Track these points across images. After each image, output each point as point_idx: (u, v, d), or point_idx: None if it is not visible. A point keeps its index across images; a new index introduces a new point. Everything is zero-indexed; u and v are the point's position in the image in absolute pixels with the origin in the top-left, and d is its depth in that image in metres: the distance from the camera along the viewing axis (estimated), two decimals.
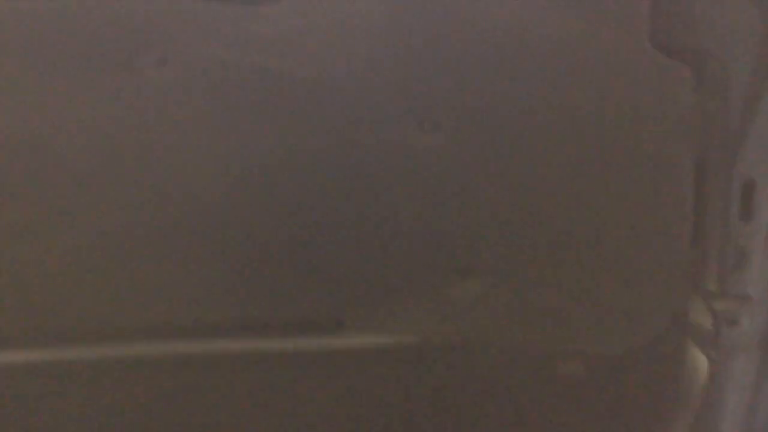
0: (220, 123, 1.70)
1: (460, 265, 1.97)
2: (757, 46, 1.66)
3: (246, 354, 2.11)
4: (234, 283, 1.98)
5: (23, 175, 1.75)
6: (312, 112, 1.70)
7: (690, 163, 1.74)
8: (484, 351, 2.10)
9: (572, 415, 2.15)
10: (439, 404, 2.20)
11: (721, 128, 1.71)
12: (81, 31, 1.58)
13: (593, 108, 1.68)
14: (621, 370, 2.05)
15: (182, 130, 1.70)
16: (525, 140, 1.76)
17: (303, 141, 1.74)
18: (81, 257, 1.88)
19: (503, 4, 1.53)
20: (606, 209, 1.85)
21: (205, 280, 1.96)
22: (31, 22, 1.57)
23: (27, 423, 2.22)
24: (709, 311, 1.91)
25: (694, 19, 1.63)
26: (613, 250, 1.91)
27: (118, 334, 2.05)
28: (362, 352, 2.12)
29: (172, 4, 1.55)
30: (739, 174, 1.75)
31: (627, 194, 1.82)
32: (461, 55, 1.61)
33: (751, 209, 1.82)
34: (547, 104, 1.69)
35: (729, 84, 1.68)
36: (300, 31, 1.58)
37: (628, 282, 1.95)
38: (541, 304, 2.02)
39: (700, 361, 1.96)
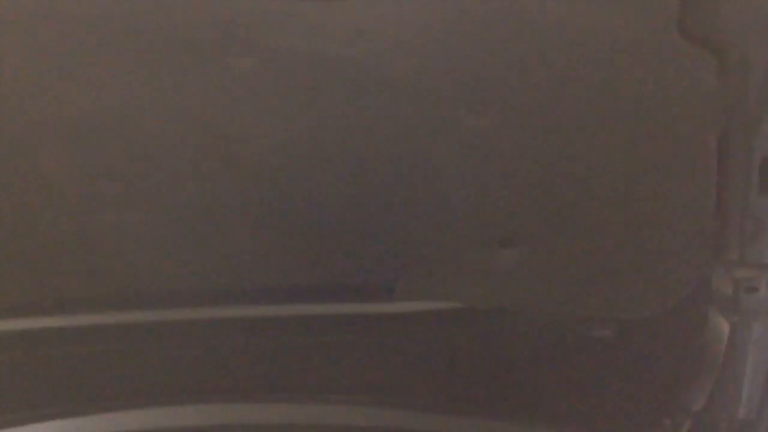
0: (294, 105, 1.83)
1: (501, 235, 2.07)
2: None
3: (300, 317, 2.25)
4: (291, 251, 2.11)
5: (121, 151, 1.89)
6: (374, 94, 1.81)
7: (713, 141, 1.82)
8: (523, 316, 2.21)
9: (602, 375, 2.25)
10: (481, 366, 2.33)
11: (741, 110, 1.79)
12: (176, 28, 1.72)
13: (625, 91, 1.79)
14: (648, 334, 2.15)
15: (261, 112, 1.83)
16: (562, 121, 1.86)
17: (367, 120, 1.86)
18: (162, 226, 2.03)
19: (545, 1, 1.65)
20: (635, 185, 1.95)
21: (264, 249, 2.10)
22: (134, 20, 1.71)
23: (106, 379, 2.34)
24: (730, 279, 1.97)
25: (718, 11, 1.71)
26: (641, 222, 2.01)
27: (186, 298, 2.20)
28: (409, 316, 2.24)
29: (254, 1, 1.69)
30: (759, 151, 1.82)
31: (655, 171, 1.92)
32: (505, 46, 1.72)
33: None
34: (583, 88, 1.79)
35: (749, 69, 1.76)
36: (367, 24, 1.70)
37: (656, 251, 2.04)
38: (575, 271, 2.13)
39: (721, 326, 2.02)
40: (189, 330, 2.26)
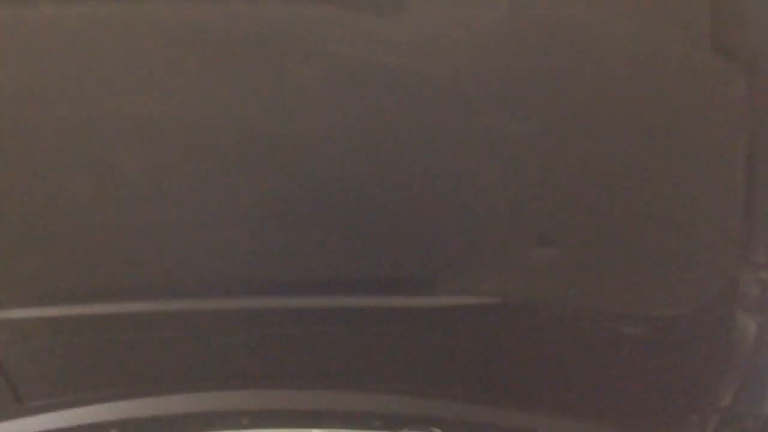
0: (348, 109, 1.93)
1: (539, 233, 2.14)
2: None
3: (343, 309, 2.32)
4: (338, 245, 2.19)
5: (187, 149, 2.00)
6: (424, 100, 1.90)
7: (742, 148, 1.88)
8: (559, 311, 2.26)
9: (632, 371, 2.32)
10: (518, 358, 2.40)
11: None
12: (243, 35, 1.82)
13: (658, 100, 1.86)
14: (677, 332, 2.21)
15: (317, 115, 1.93)
16: (600, 128, 1.94)
17: (416, 124, 1.95)
18: (221, 220, 2.13)
19: (587, 14, 1.75)
20: (669, 188, 2.02)
21: (316, 243, 2.19)
22: (204, 28, 1.82)
23: (151, 365, 2.48)
24: (756, 280, 2.05)
25: (748, 25, 1.76)
26: (672, 224, 2.07)
27: (239, 288, 2.29)
28: (450, 309, 2.30)
29: (314, 12, 1.78)
30: None
31: (687, 175, 1.98)
32: (547, 59, 1.81)
33: None
34: (620, 97, 1.87)
35: None
36: (419, 36, 1.79)
37: (687, 252, 2.10)
38: (610, 269, 2.19)
39: (748, 325, 2.10)
40: (242, 319, 2.35)
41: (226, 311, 2.33)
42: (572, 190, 2.07)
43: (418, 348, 2.39)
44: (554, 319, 2.29)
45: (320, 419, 2.45)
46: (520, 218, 2.13)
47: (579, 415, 2.36)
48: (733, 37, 1.77)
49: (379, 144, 2.01)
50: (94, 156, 2.01)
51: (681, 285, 2.17)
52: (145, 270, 2.23)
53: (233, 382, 2.49)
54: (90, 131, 1.96)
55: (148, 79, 1.89)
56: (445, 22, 1.79)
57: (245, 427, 2.48)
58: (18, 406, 2.47)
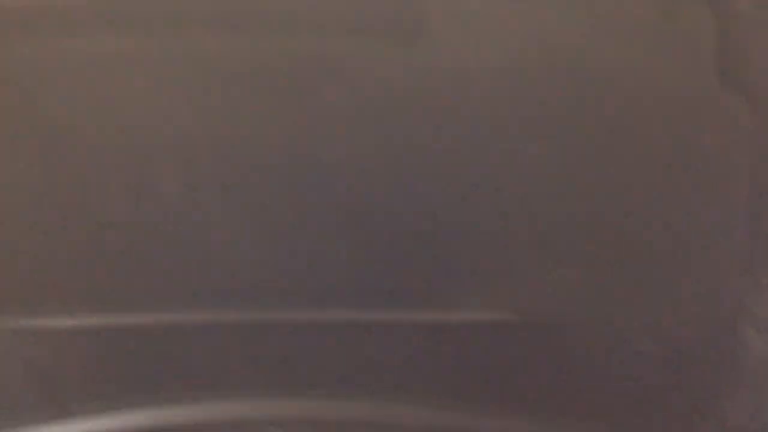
0: (381, 133, 2.04)
1: (557, 253, 2.22)
2: None
3: (359, 323, 2.40)
4: (361, 260, 2.29)
5: (227, 170, 2.12)
6: (448, 125, 2.01)
7: (747, 174, 1.97)
8: (576, 329, 2.33)
9: (645, 387, 2.36)
10: (535, 374, 2.44)
11: None
12: (273, 63, 1.94)
13: (669, 129, 1.95)
14: (689, 350, 2.27)
15: (351, 138, 2.05)
16: (613, 153, 2.04)
17: (439, 145, 2.05)
18: (259, 237, 2.24)
19: (598, 46, 1.84)
20: (678, 213, 2.10)
21: (336, 258, 2.29)
22: (236, 58, 1.94)
23: (179, 377, 2.54)
24: (766, 300, 2.11)
25: (753, 54, 1.85)
26: (686, 246, 2.16)
27: (261, 301, 2.37)
28: (467, 326, 2.38)
29: (340, 41, 1.91)
30: None
31: (697, 200, 2.07)
32: (561, 84, 1.91)
33: None
34: (631, 125, 1.97)
35: None
36: (440, 63, 1.90)
37: (698, 273, 2.18)
38: (626, 290, 2.25)
39: (758, 344, 2.16)
40: (270, 330, 2.44)
41: (256, 322, 2.42)
42: (589, 213, 2.16)
43: (437, 362, 2.45)
44: (571, 337, 2.36)
45: (344, 428, 2.53)
46: (538, 238, 2.21)
47: (587, 429, 2.39)
48: (738, 65, 1.83)
49: (403, 165, 2.11)
50: (133, 177, 2.13)
51: (693, 304, 2.24)
52: (179, 282, 2.34)
53: (263, 390, 2.56)
54: (131, 155, 2.09)
55: (186, 104, 2.02)
56: (463, 50, 1.88)
57: None
58: (58, 411, 2.56)
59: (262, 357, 2.50)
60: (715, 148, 1.96)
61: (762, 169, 1.95)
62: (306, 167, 2.11)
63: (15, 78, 1.96)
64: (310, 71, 1.93)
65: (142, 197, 2.16)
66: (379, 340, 2.45)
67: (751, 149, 1.91)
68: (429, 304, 2.37)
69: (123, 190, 2.15)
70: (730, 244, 2.11)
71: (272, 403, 2.56)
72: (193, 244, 2.25)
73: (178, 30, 1.88)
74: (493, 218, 2.19)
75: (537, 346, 2.41)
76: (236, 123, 2.04)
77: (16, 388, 2.57)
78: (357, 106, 1.99)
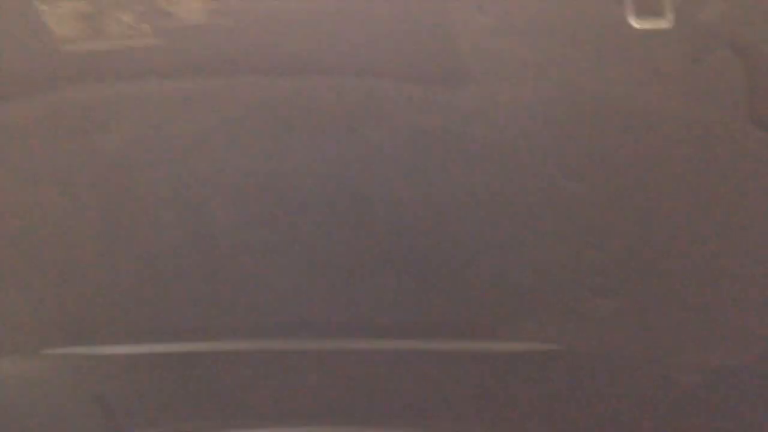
0: (419, 171, 2.10)
1: (594, 285, 2.25)
2: None
3: (401, 353, 2.47)
4: (408, 292, 2.34)
5: (275, 205, 2.21)
6: (486, 163, 2.06)
7: None
8: (617, 360, 2.37)
9: (686, 418, 2.42)
10: (577, 404, 2.51)
11: None
12: (321, 104, 2.02)
13: (697, 167, 1.99)
14: (733, 382, 2.31)
15: (391, 176, 2.12)
16: (648, 190, 2.08)
17: (479, 185, 2.11)
18: (303, 269, 2.32)
19: (630, 90, 1.88)
20: (717, 244, 2.13)
21: (383, 290, 2.35)
22: (287, 98, 2.02)
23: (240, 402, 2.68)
24: None
25: None
26: (726, 278, 2.18)
27: (310, 331, 2.45)
28: (510, 356, 2.42)
29: (386, 84, 1.97)
30: None
31: (734, 233, 2.10)
32: (596, 125, 1.96)
33: None
34: (666, 164, 2.00)
35: None
36: (481, 106, 1.95)
37: (738, 305, 2.21)
38: (664, 320, 2.29)
39: None
40: (320, 359, 2.53)
41: (306, 351, 2.51)
42: (628, 247, 2.19)
43: (479, 391, 2.52)
44: (613, 367, 2.40)
45: None
46: (580, 270, 2.25)
47: None
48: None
49: (444, 201, 2.17)
50: (186, 212, 2.22)
51: (734, 336, 2.26)
52: (233, 312, 2.43)
53: (310, 418, 2.65)
54: (184, 191, 2.18)
55: (237, 143, 2.10)
56: (499, 92, 1.95)
57: None
58: None
59: (302, 385, 2.57)
60: (750, 185, 1.99)
61: None
62: (350, 203, 2.19)
63: (77, 117, 2.06)
64: (355, 112, 2.01)
65: (193, 231, 2.25)
66: (422, 371, 2.50)
67: None
68: (472, 335, 2.41)
69: (176, 224, 2.25)
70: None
71: (311, 429, 2.66)
72: (241, 276, 2.33)
73: (232, 74, 1.97)
74: (535, 252, 2.24)
75: (579, 376, 2.45)
76: (284, 161, 2.12)
77: (69, 412, 2.69)
78: (398, 144, 2.05)
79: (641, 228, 2.14)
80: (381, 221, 2.22)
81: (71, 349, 2.50)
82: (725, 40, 1.78)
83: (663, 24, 1.69)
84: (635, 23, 1.69)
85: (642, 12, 1.68)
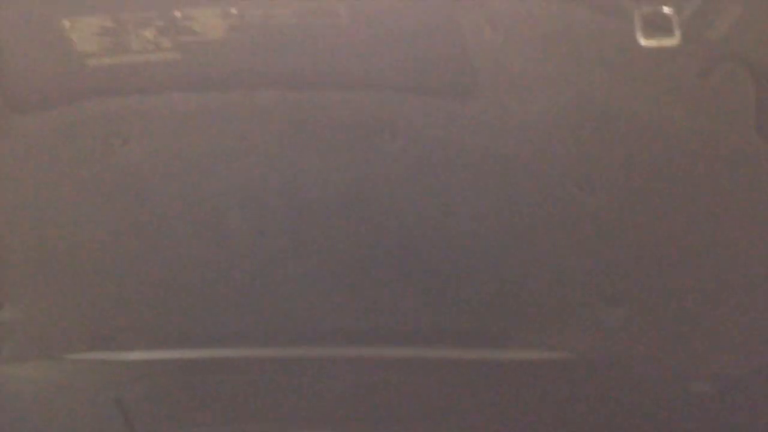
0: (431, 182, 2.14)
1: (608, 294, 2.28)
2: None
3: (414, 360, 2.50)
4: (420, 299, 2.38)
5: (291, 214, 2.25)
6: (500, 176, 2.11)
7: None
8: (628, 368, 2.39)
9: (698, 427, 2.44)
10: (588, 412, 2.53)
11: None
12: (337, 116, 2.06)
13: (707, 179, 2.02)
14: (744, 391, 2.33)
15: (404, 185, 2.16)
16: (660, 202, 2.10)
17: (494, 197, 2.15)
18: (318, 276, 2.35)
19: (637, 103, 1.92)
20: (725, 254, 2.16)
21: (395, 297, 2.38)
22: (304, 111, 2.06)
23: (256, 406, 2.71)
24: None
25: None
26: (737, 286, 2.21)
27: (323, 338, 2.50)
28: (523, 364, 2.45)
29: (399, 97, 2.01)
30: None
31: (742, 242, 2.13)
32: (605, 137, 1.99)
33: None
34: (675, 175, 2.03)
35: None
36: (495, 117, 1.99)
37: (749, 312, 2.23)
38: (676, 328, 2.31)
39: None
40: (331, 366, 2.57)
41: (322, 359, 2.55)
42: (636, 256, 2.22)
43: (491, 398, 2.55)
44: (625, 376, 2.42)
45: None
46: (591, 280, 2.27)
47: None
48: None
49: (459, 212, 2.21)
50: (209, 222, 2.27)
51: (745, 344, 2.28)
52: (249, 319, 2.47)
53: (325, 424, 2.69)
54: (206, 202, 2.23)
55: (255, 155, 2.14)
56: (512, 106, 1.99)
57: None
58: None
59: (318, 392, 2.61)
60: (758, 197, 2.02)
61: None
62: (367, 214, 2.23)
63: (99, 129, 2.11)
64: (370, 125, 2.05)
65: (214, 240, 2.29)
66: (433, 379, 2.53)
67: None
68: (484, 344, 2.43)
69: (196, 233, 2.29)
70: None
71: None
72: (261, 284, 2.37)
73: (250, 87, 2.02)
74: (546, 260, 2.27)
75: (590, 384, 2.47)
76: (302, 172, 2.16)
77: (89, 415, 2.73)
78: (414, 156, 2.10)
79: (652, 237, 2.17)
80: (394, 231, 2.26)
81: (92, 354, 2.55)
82: (731, 56, 1.81)
83: (670, 42, 1.71)
84: (643, 41, 1.72)
85: (649, 29, 1.71)
